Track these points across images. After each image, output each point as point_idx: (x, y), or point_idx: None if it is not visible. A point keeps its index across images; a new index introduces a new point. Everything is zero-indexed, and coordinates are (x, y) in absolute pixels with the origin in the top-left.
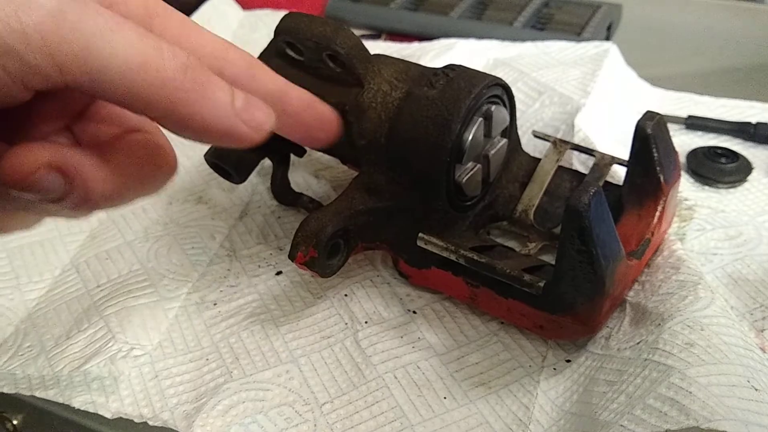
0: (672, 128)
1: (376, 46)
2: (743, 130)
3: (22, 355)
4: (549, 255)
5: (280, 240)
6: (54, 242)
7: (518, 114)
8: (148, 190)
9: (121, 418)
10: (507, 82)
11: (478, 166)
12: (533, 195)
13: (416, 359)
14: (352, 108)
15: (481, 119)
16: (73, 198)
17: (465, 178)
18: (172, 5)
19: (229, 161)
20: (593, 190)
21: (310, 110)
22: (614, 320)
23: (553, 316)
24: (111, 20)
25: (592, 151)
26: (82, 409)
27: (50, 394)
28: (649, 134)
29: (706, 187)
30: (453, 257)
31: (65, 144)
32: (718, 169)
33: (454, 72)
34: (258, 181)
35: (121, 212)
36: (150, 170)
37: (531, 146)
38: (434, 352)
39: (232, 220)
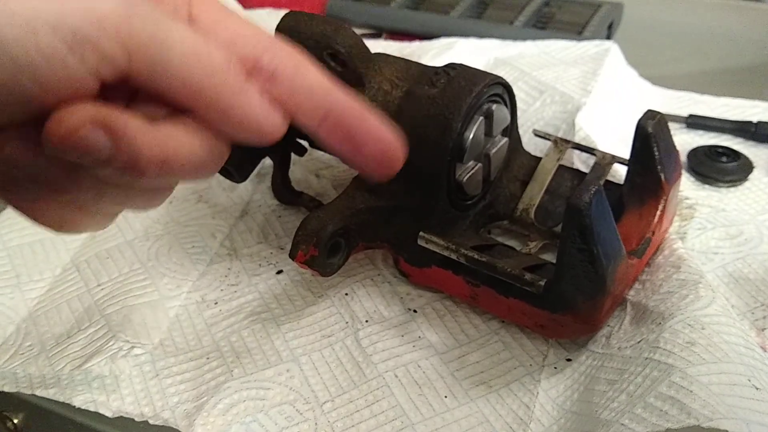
0: (673, 127)
1: (376, 45)
2: (744, 129)
3: (22, 354)
4: (550, 254)
5: (281, 239)
6: (55, 241)
7: (519, 113)
8: (194, 166)
9: (121, 417)
10: (508, 81)
11: (479, 165)
12: (534, 194)
13: (417, 358)
14: None
15: (481, 118)
16: (120, 160)
17: (466, 177)
18: None
19: (230, 160)
20: (594, 189)
21: (361, 121)
22: (615, 319)
23: (554, 315)
24: (166, 13)
25: (593, 150)
26: (82, 408)
27: (51, 393)
28: (650, 133)
29: (707, 186)
30: (453, 256)
31: (112, 105)
32: (719, 168)
33: (454, 71)
34: (258, 180)
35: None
36: (196, 143)
37: (532, 145)
38: (435, 351)
39: (232, 219)
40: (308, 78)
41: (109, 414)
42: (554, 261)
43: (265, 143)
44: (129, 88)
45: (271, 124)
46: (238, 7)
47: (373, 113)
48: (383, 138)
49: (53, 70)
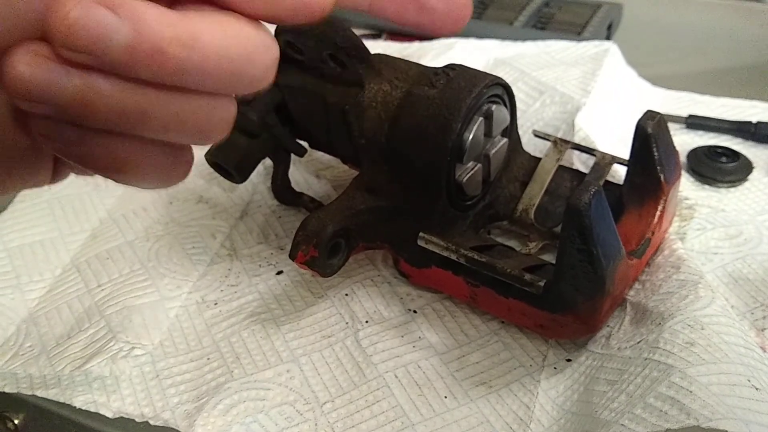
0: (672, 128)
1: (376, 46)
2: (744, 129)
3: (23, 354)
4: (549, 254)
5: (281, 239)
6: (55, 242)
7: (519, 113)
8: (228, 58)
9: (122, 417)
10: (507, 81)
11: (479, 165)
12: (534, 194)
13: (417, 358)
14: (353, 107)
15: (481, 119)
16: (137, 44)
17: (465, 178)
18: None
19: (230, 161)
20: (594, 190)
21: None
22: (615, 319)
23: (554, 316)
24: None
25: (593, 150)
26: (83, 408)
27: (51, 394)
28: (650, 133)
29: (707, 187)
30: (453, 257)
31: None
32: (719, 168)
33: (454, 71)
34: (258, 180)
35: (122, 212)
36: (228, 29)
37: (531, 146)
38: (435, 352)
39: (232, 220)
40: None
41: (109, 414)
42: (554, 261)
43: (313, 18)
44: None
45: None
46: None
47: None
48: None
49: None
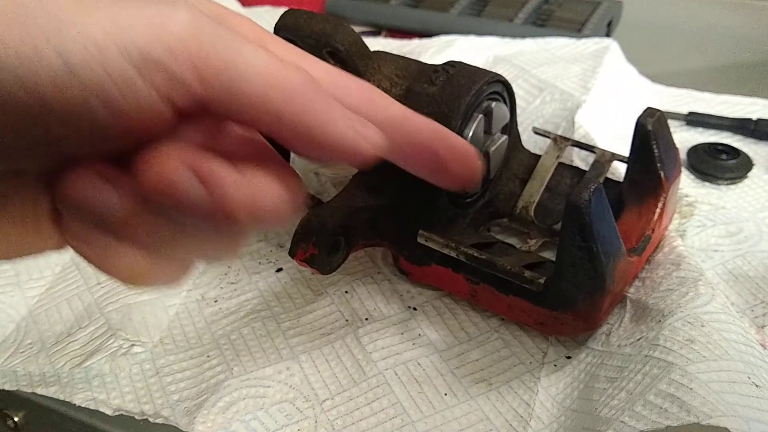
0: (672, 125)
1: (376, 43)
2: (744, 126)
3: (23, 352)
4: (549, 252)
5: (281, 237)
6: None
7: (518, 110)
8: (283, 209)
9: (122, 414)
10: (507, 78)
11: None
12: (533, 192)
13: (417, 356)
14: None
15: (481, 116)
16: (211, 206)
17: None
18: None
19: None
20: (594, 187)
21: (440, 139)
22: (615, 317)
23: (554, 313)
24: (238, 35)
25: (593, 147)
26: (83, 406)
27: (51, 391)
28: (650, 131)
29: (707, 184)
30: (453, 254)
31: (194, 145)
32: (719, 165)
33: (454, 69)
34: None
35: None
36: (277, 180)
37: (531, 143)
38: (435, 349)
39: None
40: (390, 109)
41: (109, 412)
42: (554, 259)
43: (362, 164)
44: (208, 125)
45: (369, 144)
46: (237, 6)
47: (449, 132)
48: (465, 152)
49: (123, 94)
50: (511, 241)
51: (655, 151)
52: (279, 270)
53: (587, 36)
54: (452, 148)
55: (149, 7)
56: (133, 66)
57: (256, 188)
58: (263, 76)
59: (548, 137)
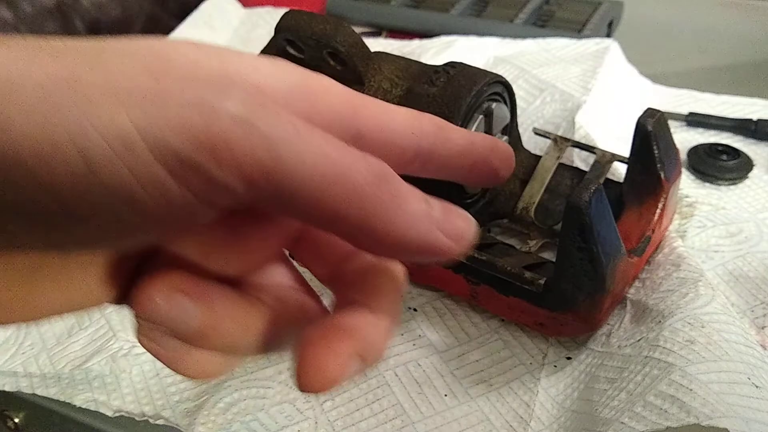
0: (673, 125)
1: (376, 44)
2: (744, 127)
3: (23, 353)
4: (550, 252)
5: None
6: None
7: (519, 111)
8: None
9: (122, 415)
10: (508, 79)
11: None
12: (534, 192)
13: (417, 357)
14: None
15: (481, 117)
16: (210, 336)
17: None
18: (172, 4)
19: None
20: (594, 188)
21: (496, 152)
22: (615, 317)
23: (554, 314)
24: (301, 127)
25: (593, 148)
26: (83, 407)
27: (52, 392)
28: (650, 131)
29: (707, 184)
30: None
31: (203, 275)
32: (719, 166)
33: (454, 69)
34: None
35: None
36: (290, 325)
37: (532, 143)
38: (435, 350)
39: None
40: (454, 140)
41: (109, 413)
42: (554, 259)
43: (445, 260)
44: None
45: (451, 238)
46: (237, 6)
47: (497, 140)
48: (510, 156)
49: (153, 198)
50: (512, 241)
51: (656, 151)
52: None
53: (588, 36)
54: (503, 158)
55: (193, 96)
56: (166, 169)
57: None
58: (322, 174)
59: (548, 138)
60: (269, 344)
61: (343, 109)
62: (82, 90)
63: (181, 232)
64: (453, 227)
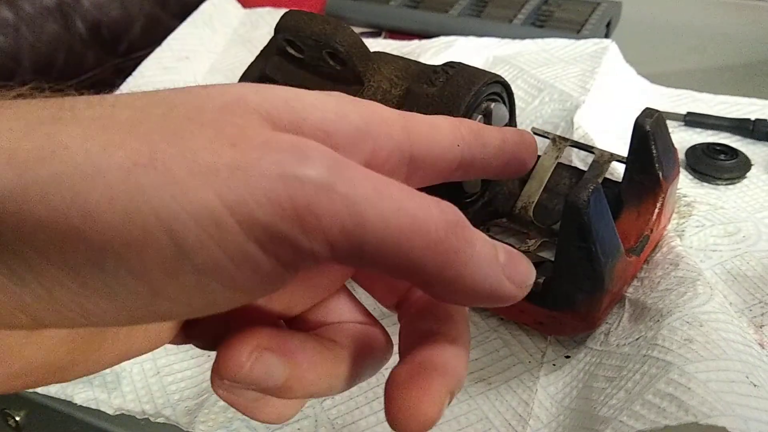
0: (671, 125)
1: (376, 44)
2: (742, 126)
3: None
4: (548, 251)
5: None
6: None
7: (518, 111)
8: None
9: (123, 414)
10: (507, 79)
11: None
12: (532, 192)
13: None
14: None
15: (480, 116)
16: (294, 388)
17: None
18: (172, 4)
19: None
20: (592, 187)
21: (524, 145)
22: (613, 316)
23: (553, 313)
24: (378, 183)
25: (591, 147)
26: (84, 405)
27: (52, 391)
28: (648, 131)
29: (705, 184)
30: None
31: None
32: (717, 165)
33: (453, 69)
34: None
35: None
36: (367, 361)
37: None
38: None
39: None
40: (491, 142)
41: (110, 411)
42: (553, 258)
43: (507, 305)
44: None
45: (514, 284)
46: (237, 6)
47: (523, 131)
48: (535, 147)
49: (244, 273)
50: (510, 241)
51: (654, 151)
52: None
53: (586, 37)
54: (529, 148)
55: (274, 166)
56: (256, 243)
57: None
58: (401, 229)
59: (547, 137)
60: (350, 384)
61: (399, 137)
62: (165, 169)
63: (264, 296)
64: (517, 273)
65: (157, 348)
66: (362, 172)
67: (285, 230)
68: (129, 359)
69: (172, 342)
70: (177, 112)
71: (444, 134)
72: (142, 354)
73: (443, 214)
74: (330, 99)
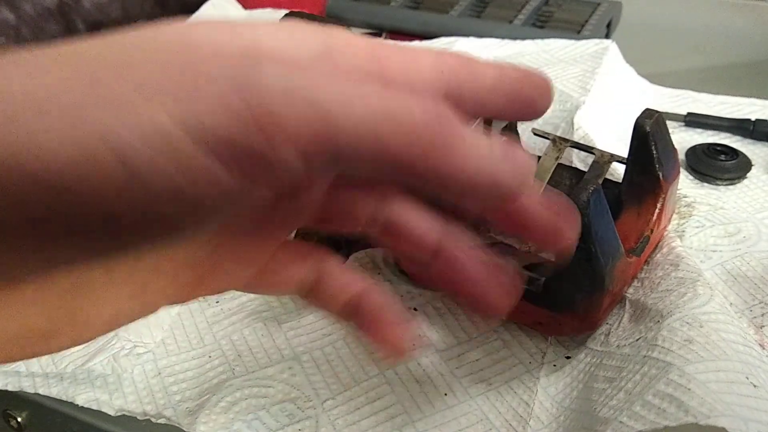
0: (671, 125)
1: None
2: (742, 127)
3: None
4: (549, 252)
5: None
6: None
7: None
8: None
9: (124, 415)
10: None
11: None
12: None
13: (417, 356)
14: None
15: (480, 117)
16: None
17: None
18: (172, 5)
19: None
20: (592, 188)
21: (529, 82)
22: (614, 317)
23: (553, 313)
24: (344, 83)
25: (592, 148)
26: (85, 406)
27: (54, 392)
28: (648, 132)
29: (705, 184)
30: None
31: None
32: (717, 166)
33: None
34: None
35: None
36: None
37: (531, 144)
38: (435, 349)
39: None
40: (487, 77)
41: (111, 412)
42: (553, 259)
43: (509, 200)
44: None
45: (513, 173)
46: (238, 7)
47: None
48: (549, 87)
49: (203, 191)
50: (511, 241)
51: (654, 152)
52: None
53: (587, 37)
54: (538, 87)
55: (226, 76)
56: (213, 157)
57: None
58: (376, 124)
59: (547, 138)
60: None
61: (367, 64)
62: (109, 93)
63: (238, 217)
64: (515, 162)
65: (152, 312)
66: (324, 73)
67: (245, 141)
68: (120, 325)
69: (176, 301)
70: (121, 43)
71: (424, 61)
72: (134, 319)
73: (422, 105)
74: (284, 25)
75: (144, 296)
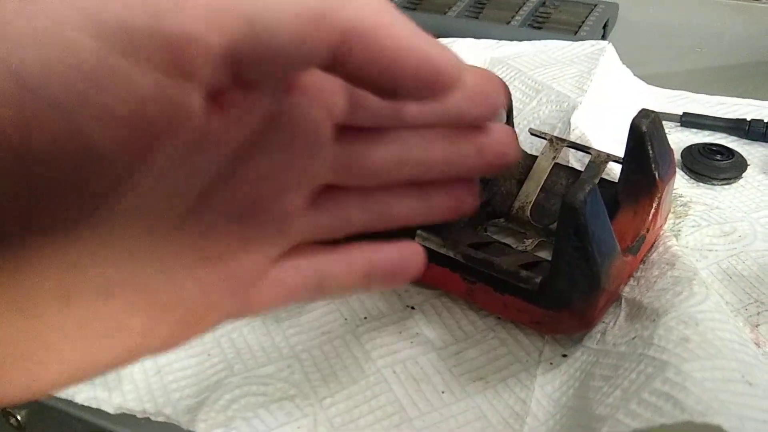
0: (667, 126)
1: None
2: (738, 127)
3: None
4: (545, 251)
5: None
6: None
7: (515, 112)
8: None
9: (124, 413)
10: (504, 80)
11: None
12: (530, 192)
13: (414, 354)
14: None
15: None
16: None
17: None
18: None
19: None
20: (589, 188)
21: (489, 83)
22: (610, 316)
23: (550, 312)
24: None
25: (588, 148)
26: (85, 404)
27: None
28: (644, 132)
29: (701, 184)
30: (451, 254)
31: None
32: (713, 166)
33: None
34: None
35: None
36: None
37: (528, 144)
38: (432, 348)
39: None
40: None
41: (111, 410)
42: (550, 258)
43: (446, 90)
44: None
45: (448, 59)
46: None
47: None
48: (500, 87)
49: (115, 98)
50: (508, 240)
51: (650, 151)
52: None
53: (583, 38)
54: (496, 90)
55: None
56: (123, 56)
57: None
58: (294, 12)
59: (544, 138)
60: None
61: None
62: None
63: (171, 140)
64: (446, 53)
65: (129, 362)
66: None
67: (147, 25)
68: (88, 375)
69: (160, 348)
70: None
71: None
72: (104, 368)
73: None
74: None
75: (116, 338)
